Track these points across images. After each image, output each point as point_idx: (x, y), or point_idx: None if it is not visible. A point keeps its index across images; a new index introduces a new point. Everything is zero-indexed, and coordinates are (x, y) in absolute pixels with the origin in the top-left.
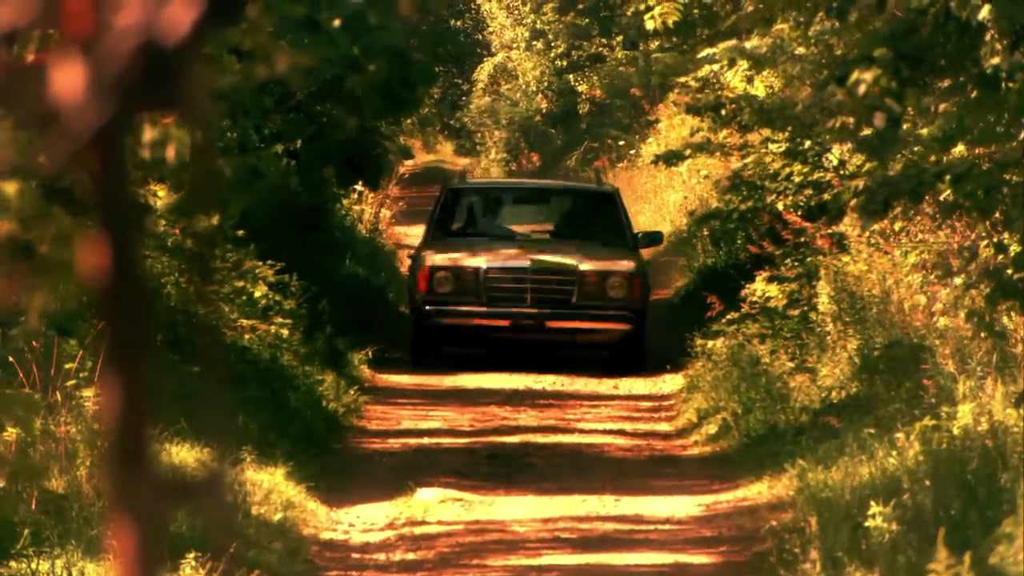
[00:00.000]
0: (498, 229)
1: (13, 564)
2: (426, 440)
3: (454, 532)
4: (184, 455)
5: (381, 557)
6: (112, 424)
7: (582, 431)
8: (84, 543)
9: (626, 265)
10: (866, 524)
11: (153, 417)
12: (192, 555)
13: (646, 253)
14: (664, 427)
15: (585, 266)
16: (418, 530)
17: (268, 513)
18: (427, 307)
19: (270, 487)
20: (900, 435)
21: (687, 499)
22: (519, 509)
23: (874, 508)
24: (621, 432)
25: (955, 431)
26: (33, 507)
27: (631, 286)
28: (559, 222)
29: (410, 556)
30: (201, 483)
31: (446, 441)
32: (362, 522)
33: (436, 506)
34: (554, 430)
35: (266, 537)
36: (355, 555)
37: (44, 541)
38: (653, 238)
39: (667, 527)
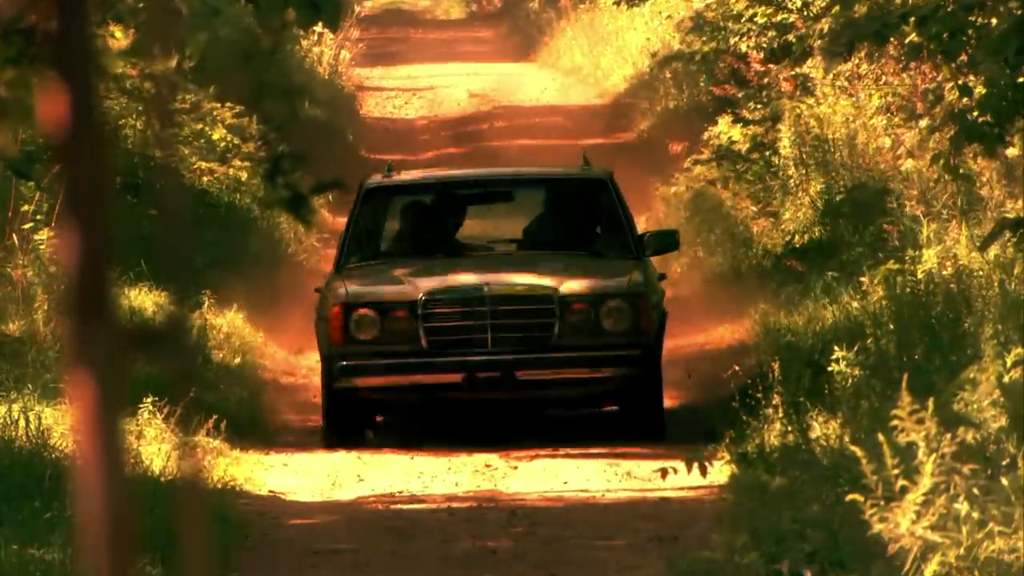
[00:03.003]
0: (442, 243)
1: None
2: None
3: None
4: (143, 299)
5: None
6: (71, 270)
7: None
8: (40, 387)
9: (628, 282)
10: (829, 369)
11: (112, 262)
12: (150, 399)
13: (658, 262)
14: None
15: (568, 288)
16: None
17: (227, 357)
18: (342, 363)
19: (229, 331)
20: (864, 279)
21: None
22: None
23: (837, 353)
24: None
25: (919, 275)
26: None
27: (636, 312)
28: (531, 227)
29: None
30: (162, 329)
31: None
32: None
33: None
34: None
35: (225, 381)
36: (314, 399)
37: (0, 385)
38: (666, 240)
39: None
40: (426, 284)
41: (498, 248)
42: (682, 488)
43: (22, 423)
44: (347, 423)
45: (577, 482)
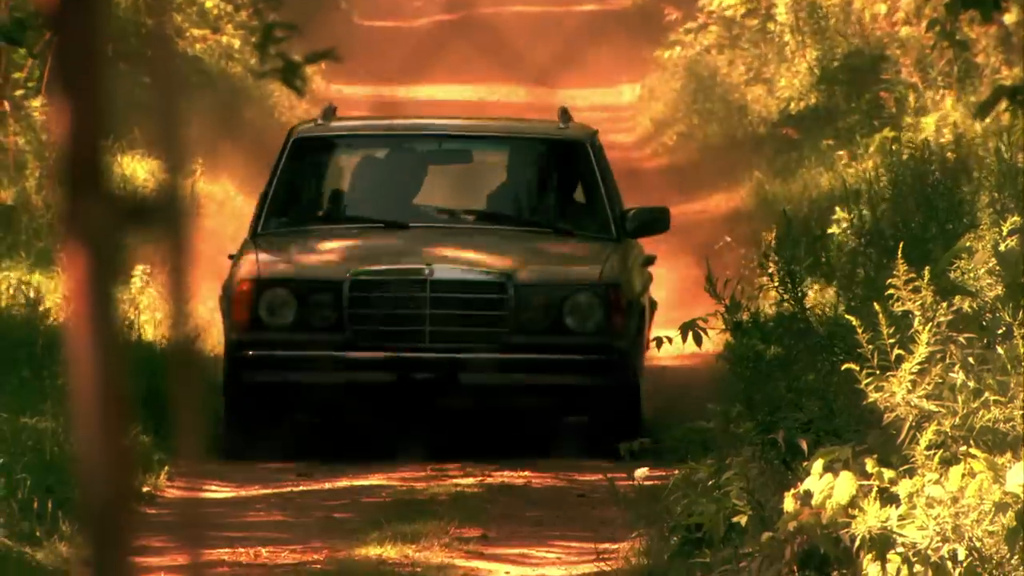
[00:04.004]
0: (380, 211)
1: None
2: None
3: None
4: (136, 167)
5: None
6: (63, 141)
7: None
8: (34, 256)
9: (598, 270)
10: (828, 233)
11: (105, 132)
12: (140, 268)
13: (647, 243)
14: (622, 138)
15: (527, 274)
16: None
17: (220, 226)
18: (248, 353)
19: (222, 199)
20: (860, 147)
21: None
22: None
23: (839, 214)
24: None
25: (916, 143)
26: None
27: (607, 308)
28: (493, 196)
29: None
30: (155, 199)
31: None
32: None
33: None
34: None
35: (217, 249)
36: None
37: None
38: (653, 219)
39: None
40: (356, 261)
41: (450, 220)
42: (677, 357)
43: (14, 291)
44: (251, 424)
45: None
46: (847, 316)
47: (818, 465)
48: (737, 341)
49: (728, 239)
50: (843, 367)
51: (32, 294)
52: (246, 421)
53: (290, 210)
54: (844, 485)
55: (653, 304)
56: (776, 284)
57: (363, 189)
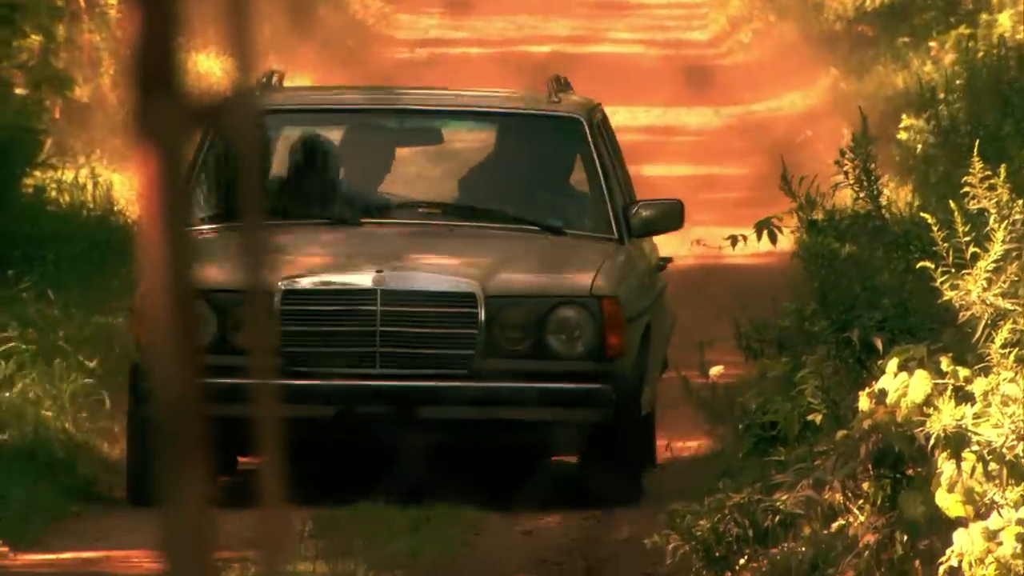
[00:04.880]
0: (326, 205)
1: (38, 173)
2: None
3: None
4: (210, 65)
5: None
6: (136, 40)
7: (613, 40)
8: (108, 153)
9: (590, 279)
10: (900, 135)
11: (179, 32)
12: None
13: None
14: (697, 36)
15: (500, 284)
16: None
17: None
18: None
19: None
20: (935, 44)
21: (720, 110)
22: None
23: (907, 120)
24: (652, 42)
25: (992, 39)
26: (57, 116)
27: (600, 326)
28: (465, 185)
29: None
30: (228, 99)
31: (473, 51)
32: None
33: None
34: (585, 40)
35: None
36: None
37: (68, 151)
38: (663, 214)
39: (699, 138)
40: (290, 267)
41: (413, 216)
42: (751, 256)
43: (90, 188)
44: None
45: None
46: (922, 214)
47: (893, 364)
48: (812, 239)
49: (809, 133)
50: (918, 265)
51: (107, 190)
52: (150, 462)
53: (215, 202)
54: (919, 384)
55: (671, 319)
56: (852, 182)
57: (306, 177)
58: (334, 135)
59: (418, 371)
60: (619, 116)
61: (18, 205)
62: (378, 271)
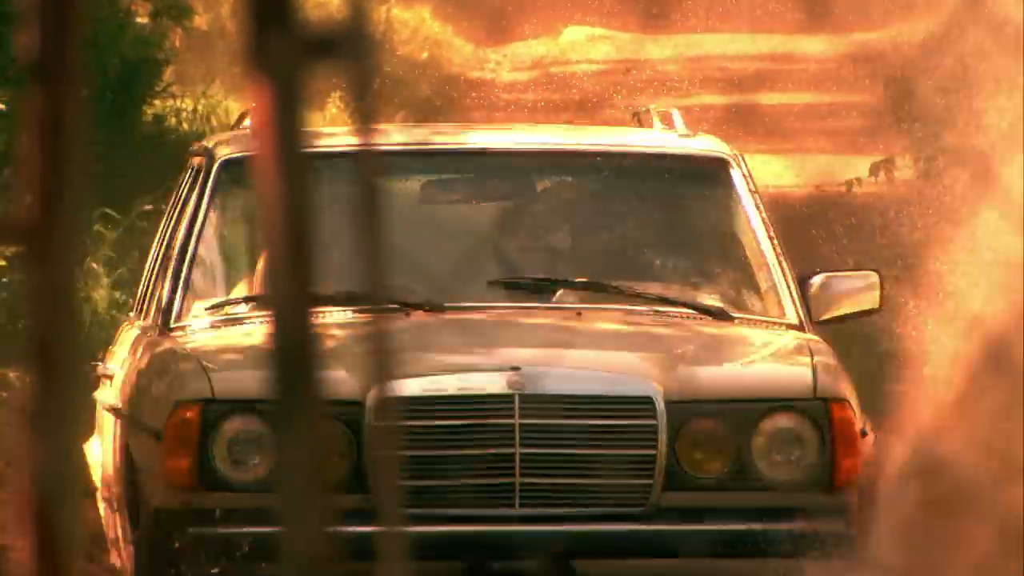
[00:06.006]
0: (407, 282)
1: (158, 103)
2: None
3: (602, 72)
4: None
5: (528, 97)
6: None
7: None
8: (228, 82)
9: (808, 375)
10: None
11: None
12: (336, 95)
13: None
14: None
15: (683, 384)
16: (566, 69)
17: (413, 52)
18: (187, 534)
19: (415, 25)
20: None
21: (839, 38)
22: (667, 49)
23: None
24: None
25: None
26: (177, 44)
27: (832, 437)
28: (583, 253)
29: (556, 96)
30: (343, 31)
31: None
32: (509, 61)
33: (584, 44)
34: None
35: (411, 76)
36: (502, 95)
37: (188, 80)
38: (860, 292)
39: (819, 66)
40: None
41: (519, 295)
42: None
43: (211, 118)
44: None
45: None
46: None
47: None
48: None
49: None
50: None
51: (226, 119)
52: None
53: (231, 281)
54: None
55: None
56: None
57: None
58: (399, 186)
59: (575, 510)
60: (739, 43)
61: (139, 134)
62: (514, 369)
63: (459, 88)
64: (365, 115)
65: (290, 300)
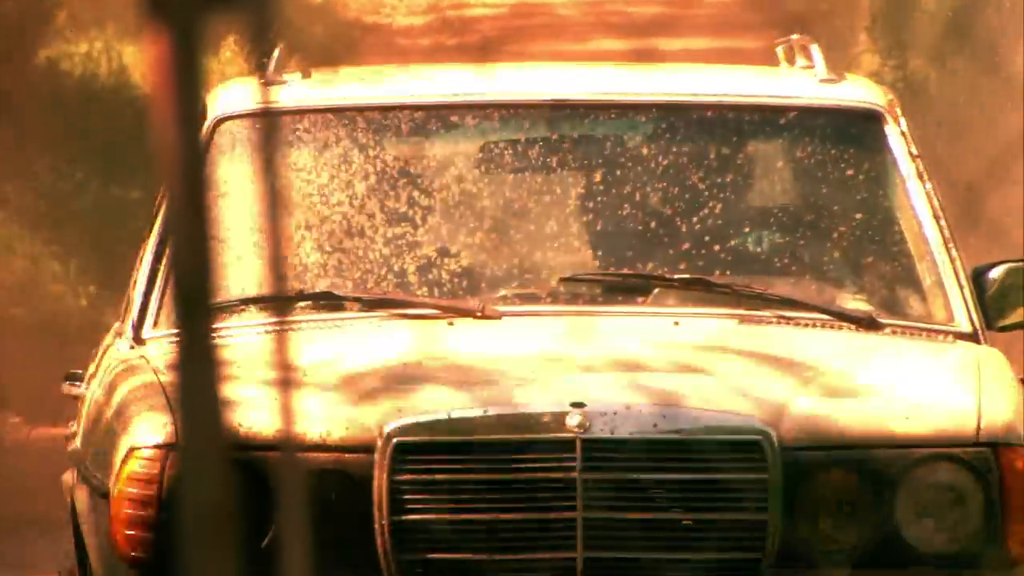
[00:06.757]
0: (436, 281)
1: (52, 45)
2: None
3: (499, 16)
4: None
5: (424, 42)
6: None
7: None
8: (122, 26)
9: (973, 415)
10: None
11: None
12: (231, 39)
13: None
14: None
15: (801, 425)
16: (463, 13)
17: None
18: None
19: None
20: None
21: None
22: None
23: None
24: None
25: None
26: None
27: (999, 494)
28: (683, 240)
29: (453, 41)
30: None
31: None
32: (405, 6)
33: None
34: None
35: (307, 20)
36: (398, 40)
37: (81, 24)
38: None
39: (716, 11)
40: (397, 400)
41: (593, 299)
42: None
43: (103, 62)
44: None
45: None
46: None
47: None
48: None
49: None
50: None
51: (120, 64)
52: None
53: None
54: None
55: None
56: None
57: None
58: (409, 150)
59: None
60: None
61: (33, 77)
62: (576, 405)
63: (355, 33)
64: (263, 64)
65: (186, 244)
